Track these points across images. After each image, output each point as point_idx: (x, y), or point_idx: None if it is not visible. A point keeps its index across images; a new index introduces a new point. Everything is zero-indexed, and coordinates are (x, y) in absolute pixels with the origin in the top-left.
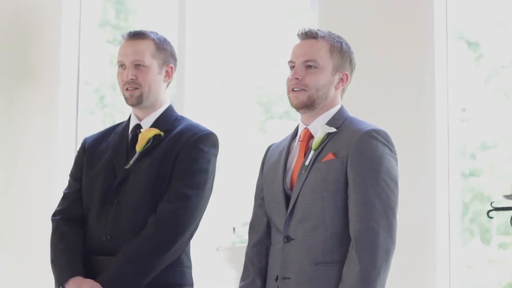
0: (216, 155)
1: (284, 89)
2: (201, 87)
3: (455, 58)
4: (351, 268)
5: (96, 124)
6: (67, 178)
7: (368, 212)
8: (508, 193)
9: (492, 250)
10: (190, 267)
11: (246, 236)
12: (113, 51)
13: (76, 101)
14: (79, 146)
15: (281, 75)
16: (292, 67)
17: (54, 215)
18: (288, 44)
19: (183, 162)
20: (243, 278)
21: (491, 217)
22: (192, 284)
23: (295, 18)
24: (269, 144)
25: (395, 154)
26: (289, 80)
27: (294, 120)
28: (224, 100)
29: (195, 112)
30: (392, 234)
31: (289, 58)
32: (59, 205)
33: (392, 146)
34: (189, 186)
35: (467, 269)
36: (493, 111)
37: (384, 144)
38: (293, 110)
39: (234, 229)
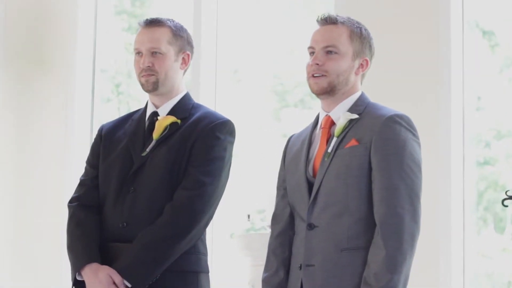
0: (232, 143)
1: (299, 77)
2: (217, 76)
3: (471, 47)
4: (377, 254)
5: (111, 111)
6: (83, 165)
7: (393, 197)
8: None
9: (506, 239)
10: (205, 254)
11: (260, 224)
12: (129, 39)
13: (92, 89)
14: (94, 133)
15: (296, 64)
16: (311, 53)
17: (70, 201)
18: (304, 32)
19: (199, 150)
20: (266, 269)
21: (506, 206)
22: (207, 271)
23: (311, 6)
24: (290, 135)
25: (418, 139)
26: (309, 66)
27: (309, 108)
28: (239, 88)
29: (210, 100)
30: (417, 219)
31: (308, 44)
32: (75, 192)
33: (415, 130)
34: (206, 173)
35: (481, 257)
36: (509, 99)
37: (407, 129)
38: (308, 99)
39: (248, 216)
